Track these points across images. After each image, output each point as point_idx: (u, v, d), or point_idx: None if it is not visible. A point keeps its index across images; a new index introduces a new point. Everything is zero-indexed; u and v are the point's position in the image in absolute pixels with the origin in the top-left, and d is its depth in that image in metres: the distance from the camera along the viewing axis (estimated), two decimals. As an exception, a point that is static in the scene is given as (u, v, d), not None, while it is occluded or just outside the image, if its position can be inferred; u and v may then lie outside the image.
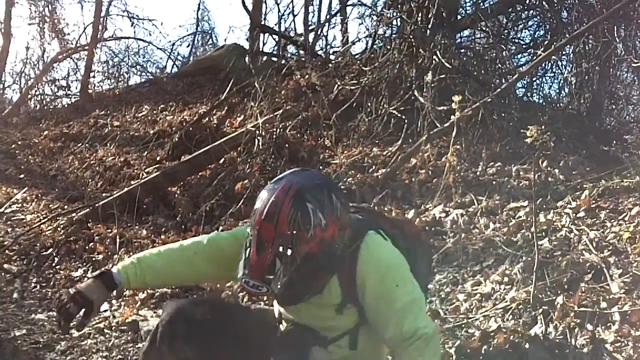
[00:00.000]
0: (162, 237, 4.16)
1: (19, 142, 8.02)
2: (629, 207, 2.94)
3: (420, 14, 5.17)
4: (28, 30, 22.05)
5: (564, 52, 5.11)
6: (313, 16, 9.20)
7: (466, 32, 5.94)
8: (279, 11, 10.94)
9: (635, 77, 5.17)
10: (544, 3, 5.52)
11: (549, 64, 5.21)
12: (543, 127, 2.85)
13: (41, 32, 12.18)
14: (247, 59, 7.77)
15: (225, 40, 14.73)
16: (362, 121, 4.84)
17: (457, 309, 2.60)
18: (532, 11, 5.79)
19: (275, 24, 9.44)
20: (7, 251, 4.14)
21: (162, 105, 7.95)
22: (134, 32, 14.77)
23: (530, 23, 5.87)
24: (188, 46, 13.87)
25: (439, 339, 1.75)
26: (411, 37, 5.08)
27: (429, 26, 4.98)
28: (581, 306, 2.27)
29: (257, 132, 4.90)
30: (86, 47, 11.50)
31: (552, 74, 5.40)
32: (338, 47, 7.40)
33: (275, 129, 4.90)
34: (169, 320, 1.63)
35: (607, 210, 2.98)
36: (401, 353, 1.56)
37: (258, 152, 4.77)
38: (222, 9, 27.02)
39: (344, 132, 4.88)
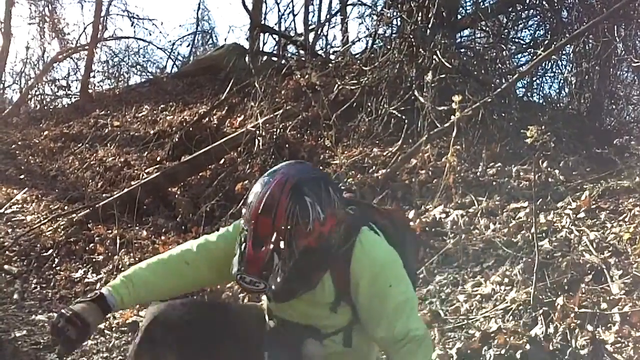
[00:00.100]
0: (163, 237, 4.16)
1: (19, 142, 8.01)
2: (629, 208, 2.94)
3: (420, 14, 5.16)
4: (28, 30, 22.02)
5: (564, 52, 5.11)
6: (313, 16, 9.18)
7: (466, 32, 5.95)
8: (279, 11, 10.86)
9: (636, 77, 5.16)
10: (544, 3, 5.52)
11: (549, 64, 5.21)
12: (543, 127, 2.85)
13: (41, 32, 12.18)
14: (247, 58, 7.76)
15: (225, 40, 14.71)
16: (362, 121, 4.84)
17: (457, 310, 2.61)
18: (532, 11, 5.79)
19: (275, 24, 9.42)
20: (7, 252, 4.14)
21: (162, 105, 7.94)
22: (134, 31, 14.74)
23: (530, 23, 5.87)
24: (188, 46, 13.86)
25: (431, 340, 1.74)
26: (411, 36, 5.07)
27: (429, 26, 4.98)
28: (581, 307, 2.27)
29: (257, 132, 4.89)
30: (86, 47, 11.49)
31: (552, 74, 5.41)
32: (338, 47, 7.40)
33: (275, 129, 4.90)
34: (147, 328, 1.59)
35: (608, 211, 2.98)
36: (394, 355, 1.55)
37: (258, 152, 4.76)
38: (222, 9, 26.94)
39: (344, 132, 4.88)
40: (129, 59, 12.52)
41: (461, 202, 3.50)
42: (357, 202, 1.77)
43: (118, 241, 4.06)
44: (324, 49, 7.56)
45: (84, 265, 3.94)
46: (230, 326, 1.69)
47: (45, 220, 4.64)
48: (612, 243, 2.64)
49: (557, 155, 3.81)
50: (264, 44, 9.01)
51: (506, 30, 5.91)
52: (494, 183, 3.67)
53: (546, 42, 5.05)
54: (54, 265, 4.00)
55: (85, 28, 12.20)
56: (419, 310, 2.60)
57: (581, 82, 5.07)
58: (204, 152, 5.05)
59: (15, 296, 3.53)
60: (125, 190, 4.90)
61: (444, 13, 5.12)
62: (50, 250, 4.17)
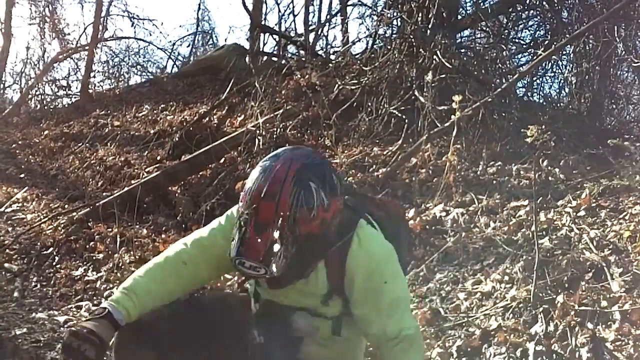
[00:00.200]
0: (163, 236, 4.16)
1: (20, 142, 8.01)
2: (629, 206, 2.94)
3: (420, 14, 5.18)
4: (28, 30, 21.98)
5: (564, 52, 5.12)
6: (313, 16, 9.21)
7: (466, 32, 5.96)
8: (279, 11, 10.89)
9: (636, 77, 5.18)
10: (544, 3, 5.53)
11: (549, 64, 5.22)
12: (543, 126, 2.87)
13: (41, 32, 12.17)
14: (247, 59, 7.79)
15: (225, 40, 14.74)
16: (363, 121, 4.84)
17: (457, 308, 2.61)
18: (532, 11, 5.80)
19: (276, 24, 9.47)
20: (7, 250, 4.13)
21: (162, 105, 7.94)
22: (134, 32, 14.77)
23: (530, 23, 5.89)
24: (188, 46, 13.90)
25: (422, 339, 1.74)
26: (411, 37, 5.08)
27: (429, 26, 4.99)
28: (581, 305, 2.27)
29: (258, 131, 4.90)
30: (86, 47, 11.49)
31: (553, 74, 5.42)
32: (338, 47, 7.41)
33: (275, 129, 4.91)
34: (119, 334, 1.55)
35: (608, 209, 2.98)
36: (386, 353, 1.54)
37: (258, 151, 4.76)
38: (222, 9, 27.06)
39: (344, 131, 4.89)
40: (129, 59, 12.53)
41: (461, 200, 3.50)
42: (353, 192, 1.75)
43: (118, 239, 4.06)
44: (324, 49, 7.59)
45: (84, 263, 3.94)
46: (208, 317, 1.67)
47: (46, 219, 4.63)
48: (612, 241, 2.65)
49: (557, 154, 3.82)
50: (264, 44, 9.07)
51: (506, 31, 5.92)
52: (494, 182, 3.68)
53: (546, 42, 5.06)
54: (54, 264, 4.00)
55: (85, 28, 12.22)
56: (419, 308, 2.61)
57: (581, 82, 5.09)
58: (204, 151, 5.05)
59: (16, 294, 3.52)
60: (126, 189, 4.89)
61: (444, 13, 5.13)
62: (51, 249, 4.16)
